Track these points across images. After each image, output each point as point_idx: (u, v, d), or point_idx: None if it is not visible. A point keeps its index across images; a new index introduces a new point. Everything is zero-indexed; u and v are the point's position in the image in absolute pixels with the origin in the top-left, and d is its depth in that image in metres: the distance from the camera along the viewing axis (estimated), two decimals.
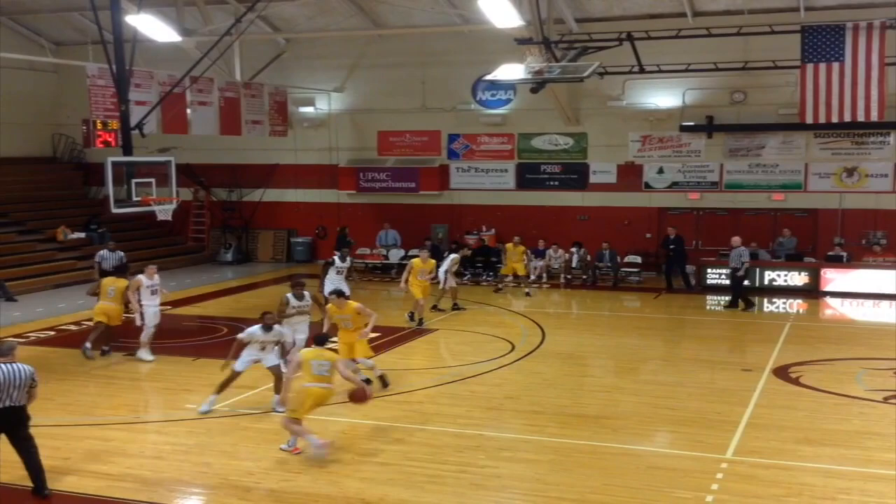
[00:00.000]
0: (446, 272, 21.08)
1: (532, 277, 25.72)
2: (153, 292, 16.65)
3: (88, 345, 16.48)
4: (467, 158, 28.20)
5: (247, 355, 13.06)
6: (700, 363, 16.35)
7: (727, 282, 23.09)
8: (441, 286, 21.11)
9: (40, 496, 10.08)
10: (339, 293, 14.26)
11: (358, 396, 11.66)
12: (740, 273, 21.64)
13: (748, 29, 22.15)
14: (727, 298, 22.14)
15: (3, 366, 9.87)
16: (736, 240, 21.98)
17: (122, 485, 10.41)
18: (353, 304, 14.04)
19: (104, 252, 21.23)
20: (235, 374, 13.06)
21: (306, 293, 14.88)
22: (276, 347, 13.24)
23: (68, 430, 12.45)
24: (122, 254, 21.23)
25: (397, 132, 28.70)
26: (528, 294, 23.88)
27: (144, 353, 16.43)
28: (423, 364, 16.67)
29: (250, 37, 24.87)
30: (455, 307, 21.36)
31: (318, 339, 11.85)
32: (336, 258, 19.34)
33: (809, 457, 11.27)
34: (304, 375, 11.31)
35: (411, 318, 19.64)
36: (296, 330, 14.42)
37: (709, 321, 21.00)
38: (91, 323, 17.39)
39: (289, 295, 14.73)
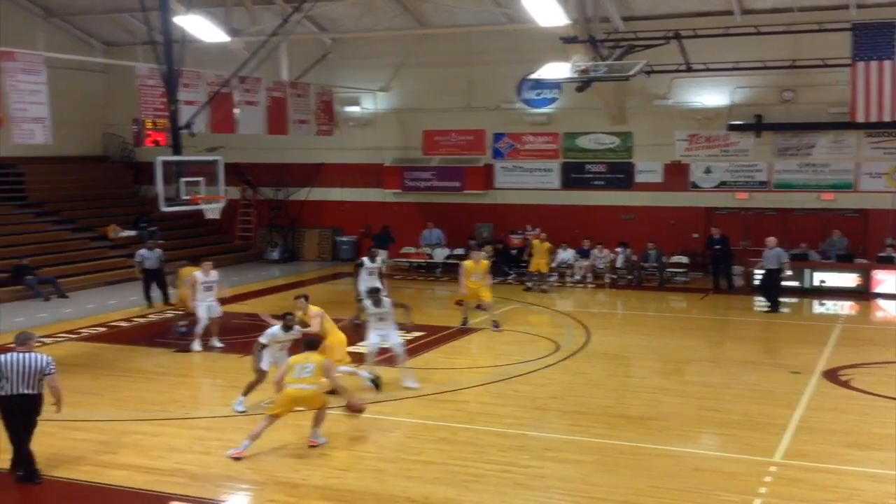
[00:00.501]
0: None
1: (576, 277, 25.69)
2: (207, 288, 17.28)
3: (182, 324, 18.00)
4: (512, 158, 28.16)
5: (268, 355, 13.14)
6: (747, 365, 16.16)
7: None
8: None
9: (33, 482, 10.46)
10: (305, 297, 14.46)
11: (352, 408, 11.94)
12: (784, 274, 21.41)
13: (797, 27, 21.86)
14: (764, 301, 21.72)
15: (13, 354, 10.31)
16: (771, 240, 21.64)
17: (171, 479, 10.56)
18: (314, 308, 14.11)
19: (144, 251, 21.82)
20: (263, 374, 13.11)
21: (384, 300, 14.90)
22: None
23: (118, 425, 12.65)
24: (160, 252, 21.89)
25: (442, 131, 28.75)
26: (544, 290, 23.95)
27: (195, 345, 17.03)
28: (468, 363, 16.69)
29: (297, 37, 25.04)
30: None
31: (308, 342, 11.88)
32: (365, 259, 19.22)
33: (859, 461, 11.10)
34: (288, 377, 11.37)
35: (496, 326, 19.21)
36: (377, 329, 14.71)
37: (756, 322, 20.75)
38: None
39: (367, 301, 14.92)
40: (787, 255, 21.60)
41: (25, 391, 10.23)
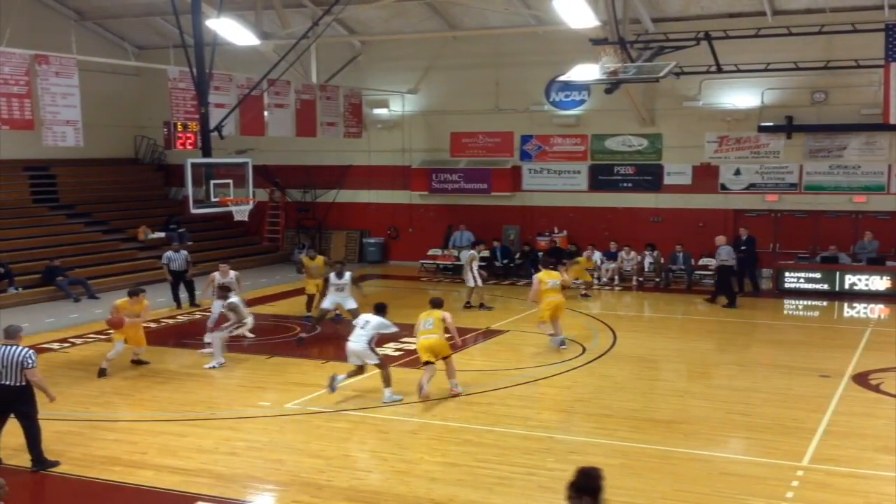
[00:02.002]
0: (476, 270, 21.49)
1: (603, 279, 25.59)
2: (223, 288, 18.09)
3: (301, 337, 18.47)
4: (540, 160, 28.09)
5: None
6: (776, 368, 16.02)
7: (806, 286, 23.42)
8: (473, 284, 21.55)
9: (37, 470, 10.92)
10: (135, 293, 16.31)
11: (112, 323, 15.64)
12: (730, 266, 22.22)
13: (830, 27, 21.65)
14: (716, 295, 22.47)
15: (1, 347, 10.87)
16: (720, 239, 22.67)
17: (197, 480, 10.64)
18: (145, 302, 16.47)
19: (170, 253, 22.22)
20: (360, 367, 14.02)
21: (347, 273, 18.19)
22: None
23: (146, 425, 12.78)
24: (185, 253, 22.25)
25: (470, 133, 28.74)
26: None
27: (207, 338, 17.47)
28: (493, 365, 16.65)
29: (327, 40, 25.17)
30: (469, 305, 21.77)
31: (433, 302, 14.40)
32: (332, 275, 18.52)
33: (888, 466, 10.97)
34: (420, 330, 13.85)
35: (561, 343, 17.38)
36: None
37: (785, 326, 20.59)
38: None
39: (332, 274, 18.34)
40: (730, 257, 22.25)
41: (4, 382, 10.69)
